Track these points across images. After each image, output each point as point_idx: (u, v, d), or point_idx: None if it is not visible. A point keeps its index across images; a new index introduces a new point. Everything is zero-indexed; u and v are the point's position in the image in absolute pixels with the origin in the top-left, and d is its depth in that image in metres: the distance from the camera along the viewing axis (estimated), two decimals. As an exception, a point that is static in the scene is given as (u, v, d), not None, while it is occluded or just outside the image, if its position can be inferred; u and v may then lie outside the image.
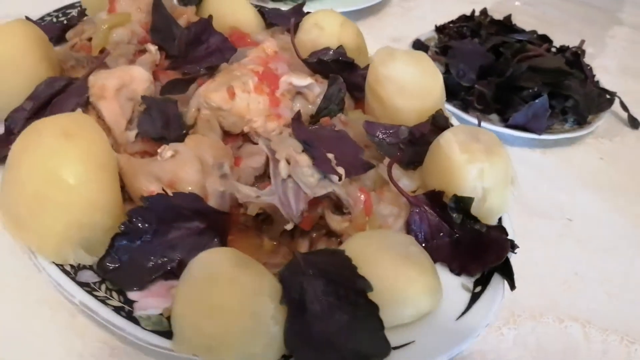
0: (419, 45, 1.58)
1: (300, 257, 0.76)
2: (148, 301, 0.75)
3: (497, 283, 0.82)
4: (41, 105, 0.96)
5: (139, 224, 0.77)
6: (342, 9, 1.64)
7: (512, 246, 0.81)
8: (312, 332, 0.69)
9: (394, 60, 1.05)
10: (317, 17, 1.25)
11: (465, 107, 1.35)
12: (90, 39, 1.15)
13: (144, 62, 1.09)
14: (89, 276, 0.76)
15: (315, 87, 1.10)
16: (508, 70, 1.34)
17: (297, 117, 0.87)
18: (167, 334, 0.70)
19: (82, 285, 0.74)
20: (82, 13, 1.20)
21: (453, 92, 1.36)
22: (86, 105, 0.96)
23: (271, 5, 1.68)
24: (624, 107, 1.46)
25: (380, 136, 1.00)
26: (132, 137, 0.92)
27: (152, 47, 1.10)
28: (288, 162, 0.77)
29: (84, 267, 0.77)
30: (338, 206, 0.86)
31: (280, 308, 0.69)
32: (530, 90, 1.31)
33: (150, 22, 1.14)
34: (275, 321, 0.68)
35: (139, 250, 0.77)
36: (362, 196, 0.85)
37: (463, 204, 0.86)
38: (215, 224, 0.81)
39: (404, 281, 0.74)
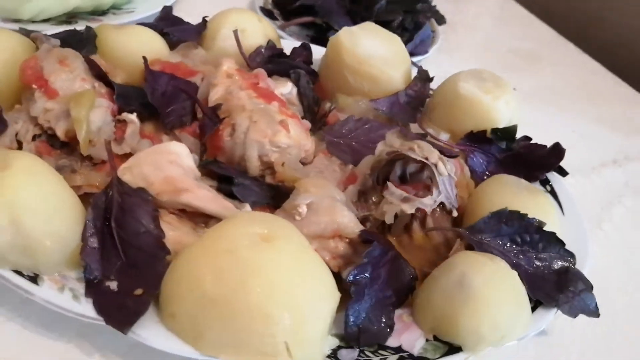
0: (265, 12, 1.60)
1: (465, 233, 0.87)
2: (406, 338, 0.78)
3: (553, 177, 1.06)
4: (103, 236, 0.79)
5: (361, 282, 0.77)
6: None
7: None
8: (526, 278, 0.84)
9: (362, 39, 1.13)
10: (232, 19, 1.20)
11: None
12: (35, 137, 0.91)
13: (133, 135, 0.94)
14: (348, 354, 0.75)
15: (294, 89, 1.12)
16: (372, 10, 1.50)
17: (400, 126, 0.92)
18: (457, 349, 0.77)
19: (355, 364, 0.73)
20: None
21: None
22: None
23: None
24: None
25: (388, 108, 1.11)
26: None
27: (131, 116, 0.94)
28: (442, 162, 0.84)
29: (333, 350, 0.75)
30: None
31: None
32: (396, 22, 1.52)
33: (106, 90, 0.96)
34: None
35: (367, 304, 0.77)
36: (453, 161, 0.97)
37: (505, 133, 1.06)
38: (392, 245, 0.85)
39: (542, 206, 0.91)
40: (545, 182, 1.06)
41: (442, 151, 0.89)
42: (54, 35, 1.13)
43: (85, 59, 0.97)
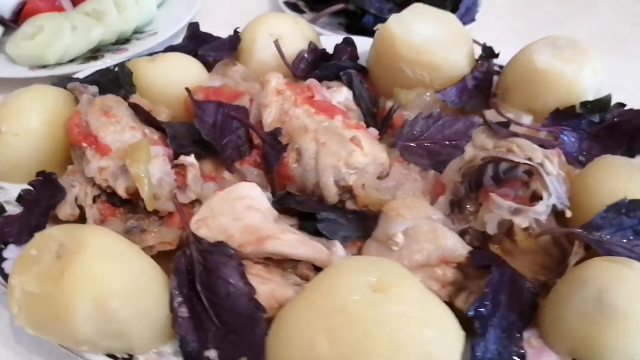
0: (290, 6, 1.49)
1: (582, 233, 0.77)
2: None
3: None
4: (192, 302, 0.72)
5: (484, 315, 0.68)
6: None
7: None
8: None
9: (414, 24, 1.03)
10: (267, 27, 1.10)
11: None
12: (96, 199, 0.85)
13: (195, 179, 0.86)
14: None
15: (349, 93, 1.02)
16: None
17: (486, 123, 0.82)
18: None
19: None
20: (52, 180, 0.86)
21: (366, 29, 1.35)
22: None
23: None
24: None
25: (457, 97, 1.01)
26: (342, 251, 0.76)
27: (190, 159, 0.86)
28: (548, 160, 0.74)
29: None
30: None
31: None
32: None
33: (159, 135, 0.88)
34: None
35: (493, 336, 0.68)
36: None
37: (597, 105, 0.94)
38: (505, 262, 0.76)
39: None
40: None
41: (541, 144, 0.79)
42: (87, 79, 1.06)
43: (129, 104, 0.90)
